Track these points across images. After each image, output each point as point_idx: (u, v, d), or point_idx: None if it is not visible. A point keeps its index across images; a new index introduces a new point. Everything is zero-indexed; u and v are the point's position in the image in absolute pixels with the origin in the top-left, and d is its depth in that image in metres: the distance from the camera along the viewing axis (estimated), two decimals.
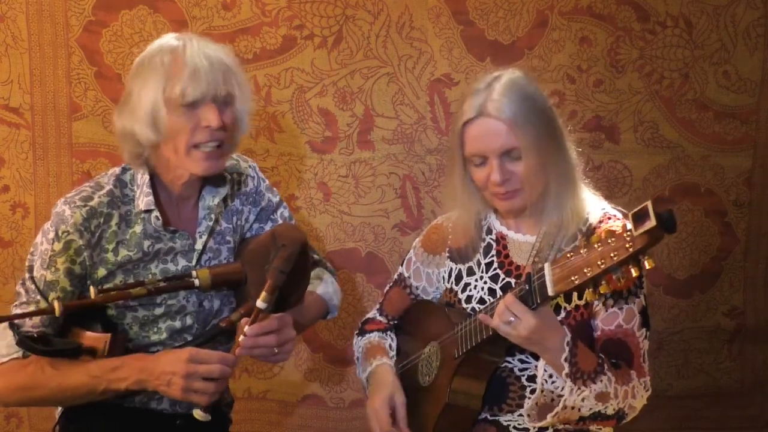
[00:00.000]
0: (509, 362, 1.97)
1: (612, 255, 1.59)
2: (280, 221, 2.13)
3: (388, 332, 2.24)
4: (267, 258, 1.89)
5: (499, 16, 2.87)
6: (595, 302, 1.91)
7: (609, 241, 1.61)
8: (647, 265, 1.57)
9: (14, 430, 2.96)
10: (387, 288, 2.30)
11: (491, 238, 2.07)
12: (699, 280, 3.00)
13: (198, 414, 1.84)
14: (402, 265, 2.25)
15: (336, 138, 2.92)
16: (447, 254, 2.15)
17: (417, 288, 2.21)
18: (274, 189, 2.23)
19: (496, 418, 1.98)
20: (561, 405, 1.81)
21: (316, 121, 2.91)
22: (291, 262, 1.85)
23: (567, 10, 2.86)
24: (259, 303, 1.83)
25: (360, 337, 2.25)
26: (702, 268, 2.99)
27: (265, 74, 2.85)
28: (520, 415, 1.95)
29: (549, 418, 1.83)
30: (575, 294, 1.67)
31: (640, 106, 2.91)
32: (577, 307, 1.91)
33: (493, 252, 2.06)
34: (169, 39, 1.90)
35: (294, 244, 1.88)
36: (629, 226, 1.57)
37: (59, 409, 2.04)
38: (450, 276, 2.13)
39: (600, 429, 2.01)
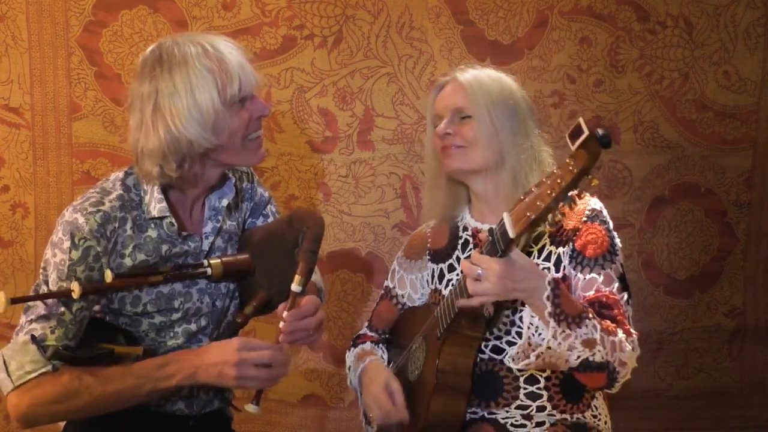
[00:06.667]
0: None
1: (558, 181, 1.66)
2: (271, 217, 2.14)
3: (380, 345, 2.26)
4: (281, 245, 1.90)
5: (499, 16, 2.87)
6: (573, 273, 1.94)
7: (555, 171, 1.68)
8: (593, 183, 1.65)
9: (14, 430, 2.96)
10: (375, 304, 2.33)
11: (467, 234, 2.11)
12: (699, 280, 3.00)
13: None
14: (387, 279, 2.28)
15: (336, 138, 2.92)
16: (428, 257, 2.19)
17: (402, 296, 2.23)
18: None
19: (493, 416, 1.98)
20: (545, 345, 1.78)
21: (316, 121, 2.91)
22: (319, 242, 1.89)
23: (567, 10, 2.86)
24: (294, 287, 1.83)
25: (352, 348, 2.27)
26: (702, 268, 2.99)
27: (265, 74, 2.85)
28: (514, 408, 1.97)
29: (532, 357, 1.80)
30: (546, 239, 1.75)
31: (640, 106, 2.91)
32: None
33: (471, 247, 2.09)
34: (184, 44, 1.85)
35: (318, 224, 1.91)
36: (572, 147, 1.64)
37: None
38: (433, 277, 2.16)
39: (597, 422, 2.02)
